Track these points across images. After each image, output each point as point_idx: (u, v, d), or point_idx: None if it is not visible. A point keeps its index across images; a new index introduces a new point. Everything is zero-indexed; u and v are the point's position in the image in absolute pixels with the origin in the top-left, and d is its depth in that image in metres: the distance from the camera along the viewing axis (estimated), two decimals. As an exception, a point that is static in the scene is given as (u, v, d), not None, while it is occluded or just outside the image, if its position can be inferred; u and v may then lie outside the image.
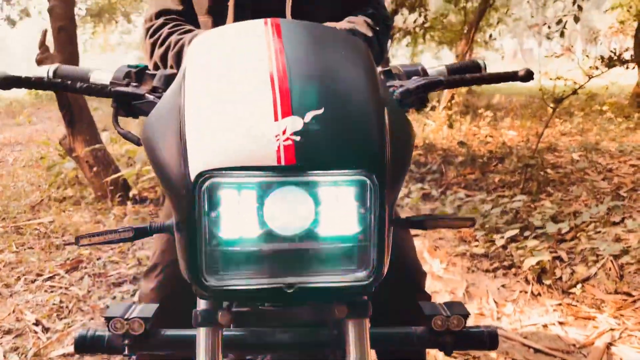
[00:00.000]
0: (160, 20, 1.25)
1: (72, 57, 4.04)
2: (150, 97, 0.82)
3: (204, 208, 0.58)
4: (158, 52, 1.23)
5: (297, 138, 0.55)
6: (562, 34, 3.69)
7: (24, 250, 3.29)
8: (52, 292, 2.71)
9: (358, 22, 1.23)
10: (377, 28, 1.25)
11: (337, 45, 0.72)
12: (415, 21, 4.87)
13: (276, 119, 0.56)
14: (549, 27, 3.94)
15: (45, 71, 0.90)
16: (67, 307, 2.52)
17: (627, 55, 3.62)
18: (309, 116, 0.57)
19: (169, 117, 0.63)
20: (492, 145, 5.81)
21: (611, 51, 3.50)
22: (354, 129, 0.59)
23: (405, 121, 0.71)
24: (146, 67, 0.89)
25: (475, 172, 4.81)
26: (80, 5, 15.53)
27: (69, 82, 0.85)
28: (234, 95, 0.59)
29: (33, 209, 4.17)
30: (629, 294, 2.53)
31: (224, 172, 0.56)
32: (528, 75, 0.83)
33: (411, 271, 1.19)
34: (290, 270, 0.62)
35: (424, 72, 0.90)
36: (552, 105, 3.52)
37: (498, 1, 6.20)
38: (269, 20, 0.70)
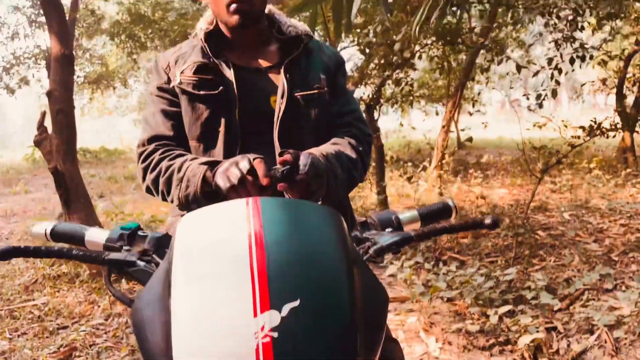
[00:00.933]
0: (152, 146, 1.33)
1: (69, 139, 4.15)
2: (141, 263, 0.88)
3: None
4: (150, 177, 1.30)
5: (275, 334, 0.60)
6: (541, 106, 3.85)
7: (17, 338, 3.26)
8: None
9: (342, 144, 1.31)
10: (360, 148, 1.34)
11: (313, 221, 0.79)
12: (402, 90, 5.06)
13: (255, 315, 0.62)
14: (527, 98, 4.10)
15: (42, 229, 0.96)
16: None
17: (609, 123, 3.74)
18: (285, 309, 0.62)
19: (156, 307, 0.69)
20: (484, 206, 5.89)
21: (592, 121, 3.64)
22: (328, 320, 0.65)
23: (378, 286, 0.77)
24: (138, 227, 0.96)
25: (467, 236, 4.85)
26: (79, 72, 15.98)
27: (65, 249, 0.91)
28: (216, 291, 0.65)
29: (27, 289, 4.15)
30: (626, 370, 2.52)
31: None
32: (494, 224, 0.90)
33: None
34: None
35: (397, 221, 0.97)
36: (538, 175, 3.61)
37: (482, 59, 6.43)
38: (250, 200, 0.77)
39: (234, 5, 1.28)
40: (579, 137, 3.66)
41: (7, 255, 0.88)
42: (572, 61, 3.60)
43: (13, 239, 6.13)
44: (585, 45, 3.57)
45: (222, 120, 1.31)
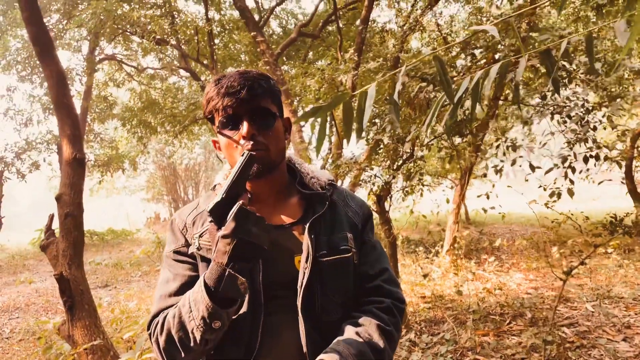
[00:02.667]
0: (161, 318, 1.24)
1: (77, 243, 4.07)
2: None
3: None
4: (163, 339, 1.18)
5: None
6: (559, 196, 3.77)
7: None
8: None
9: (371, 329, 1.20)
10: (390, 327, 1.22)
11: None
12: (412, 181, 5.04)
13: None
14: (545, 189, 4.03)
15: None
16: None
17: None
18: None
19: None
20: (502, 296, 5.66)
21: (611, 217, 3.54)
22: None
23: None
24: None
25: (489, 334, 4.62)
26: (89, 155, 16.27)
27: None
28: None
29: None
30: None
31: None
32: None
33: None
34: None
35: None
36: (562, 277, 3.46)
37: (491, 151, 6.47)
38: None
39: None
40: (600, 235, 3.55)
41: None
42: (586, 160, 3.57)
43: (14, 339, 5.91)
44: (600, 144, 3.55)
45: None
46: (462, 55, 4.70)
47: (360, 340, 1.15)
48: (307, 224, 1.27)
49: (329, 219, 1.32)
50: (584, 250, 3.45)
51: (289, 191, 1.37)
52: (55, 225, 4.27)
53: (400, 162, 4.84)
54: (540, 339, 4.06)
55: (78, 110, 14.74)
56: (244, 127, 1.21)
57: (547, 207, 3.84)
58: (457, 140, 5.28)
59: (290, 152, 1.45)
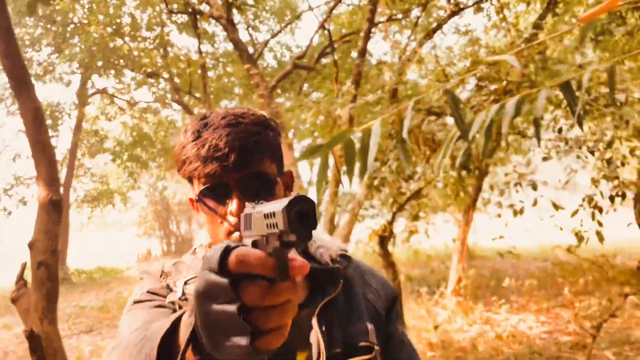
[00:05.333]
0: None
1: (50, 295, 3.69)
2: None
3: None
4: None
5: None
6: (586, 240, 3.45)
7: None
8: None
9: None
10: None
11: None
12: (416, 220, 4.75)
13: None
14: (561, 229, 3.72)
15: None
16: None
17: None
18: None
19: None
20: (515, 343, 5.26)
21: None
22: None
23: None
24: None
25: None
26: (79, 190, 15.91)
27: None
28: None
29: None
30: None
31: None
32: None
33: None
34: None
35: None
36: (592, 333, 3.10)
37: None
38: None
39: (236, 234, 0.91)
40: (629, 282, 3.22)
41: None
42: (612, 199, 3.27)
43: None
44: (625, 182, 3.26)
45: None
46: (467, 87, 4.46)
47: None
48: (316, 311, 0.93)
49: (342, 303, 0.99)
50: (613, 299, 3.13)
51: None
52: (28, 274, 3.90)
53: (404, 200, 4.53)
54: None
55: (68, 144, 14.46)
56: (234, 203, 0.90)
57: (570, 252, 3.51)
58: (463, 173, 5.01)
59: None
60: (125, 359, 0.74)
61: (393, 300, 1.08)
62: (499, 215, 4.71)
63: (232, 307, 0.46)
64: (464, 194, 5.04)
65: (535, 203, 3.48)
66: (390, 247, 4.75)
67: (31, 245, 3.81)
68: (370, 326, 0.98)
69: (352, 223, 5.64)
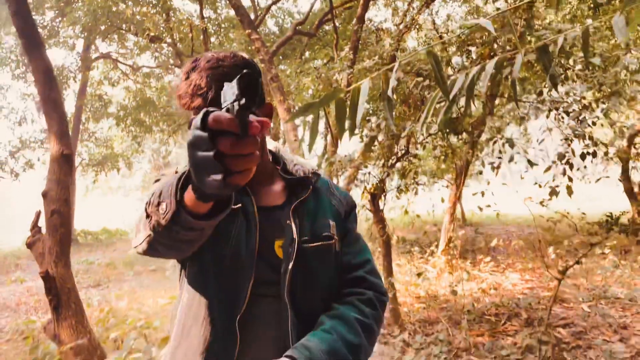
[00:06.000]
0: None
1: (63, 240, 3.98)
2: None
3: None
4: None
5: None
6: (557, 194, 3.69)
7: None
8: None
9: (348, 323, 1.14)
10: (368, 320, 1.17)
11: None
12: (406, 179, 4.98)
13: None
14: (540, 187, 3.97)
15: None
16: None
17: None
18: None
19: None
20: (497, 296, 5.60)
21: (607, 216, 3.47)
22: None
23: None
24: None
25: (484, 334, 4.55)
26: (84, 155, 16.17)
27: None
28: None
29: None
30: None
31: None
32: None
33: None
34: None
35: None
36: (558, 277, 3.40)
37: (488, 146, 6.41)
38: None
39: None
40: (596, 234, 3.49)
41: None
42: (583, 157, 3.51)
43: (2, 338, 5.82)
44: (597, 142, 3.49)
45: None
46: (459, 53, 4.64)
47: (334, 336, 1.09)
48: (291, 207, 1.22)
49: (312, 205, 1.27)
50: (580, 250, 3.39)
51: (272, 178, 1.31)
52: (43, 222, 4.19)
53: (395, 159, 4.78)
54: (535, 340, 4.00)
55: (72, 109, 14.65)
56: None
57: (543, 205, 3.78)
58: (453, 138, 5.23)
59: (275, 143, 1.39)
60: (153, 196, 0.95)
61: (352, 207, 1.37)
62: (481, 172, 4.96)
63: (210, 153, 0.71)
64: (453, 157, 5.27)
65: (511, 159, 3.73)
66: (381, 204, 5.02)
67: (45, 195, 4.09)
68: (332, 222, 1.27)
69: (348, 185, 5.91)
